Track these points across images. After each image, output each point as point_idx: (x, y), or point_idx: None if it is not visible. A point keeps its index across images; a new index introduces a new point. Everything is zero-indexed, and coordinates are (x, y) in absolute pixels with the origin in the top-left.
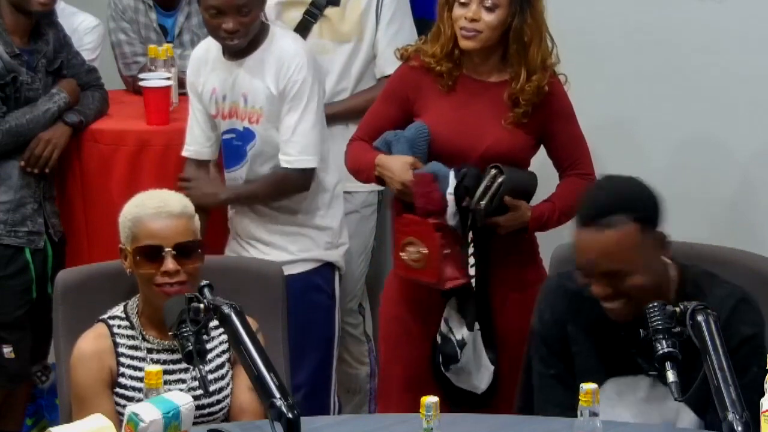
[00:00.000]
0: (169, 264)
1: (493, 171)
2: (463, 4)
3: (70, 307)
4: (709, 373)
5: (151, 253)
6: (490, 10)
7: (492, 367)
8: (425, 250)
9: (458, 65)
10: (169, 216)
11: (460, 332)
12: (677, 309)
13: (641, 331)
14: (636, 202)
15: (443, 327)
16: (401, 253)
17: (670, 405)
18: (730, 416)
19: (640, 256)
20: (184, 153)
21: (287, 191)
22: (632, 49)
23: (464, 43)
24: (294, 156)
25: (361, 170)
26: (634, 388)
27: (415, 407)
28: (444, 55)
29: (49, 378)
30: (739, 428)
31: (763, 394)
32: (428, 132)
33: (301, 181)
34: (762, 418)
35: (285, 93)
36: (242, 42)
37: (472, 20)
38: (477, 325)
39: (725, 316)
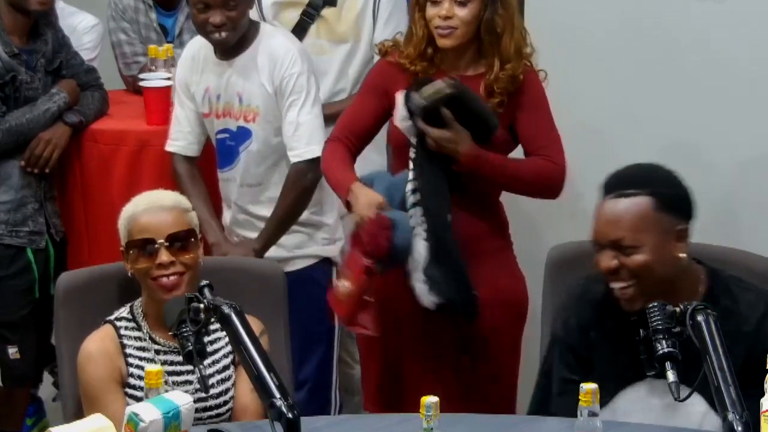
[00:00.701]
0: (163, 256)
1: (452, 81)
2: (436, 3)
3: (71, 309)
4: (709, 374)
5: (144, 247)
6: (462, 4)
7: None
8: (350, 287)
9: (433, 63)
10: (161, 209)
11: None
12: (677, 309)
13: (641, 331)
14: (657, 180)
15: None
16: (336, 280)
17: (696, 409)
18: (730, 416)
19: (649, 232)
20: (170, 148)
21: (306, 186)
22: (631, 49)
23: (442, 42)
24: (302, 149)
25: (336, 185)
26: (659, 392)
27: (396, 402)
28: (417, 55)
29: None
30: (739, 428)
31: None
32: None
33: (314, 171)
34: (762, 418)
35: (282, 89)
36: (230, 36)
37: (446, 17)
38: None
39: (756, 320)
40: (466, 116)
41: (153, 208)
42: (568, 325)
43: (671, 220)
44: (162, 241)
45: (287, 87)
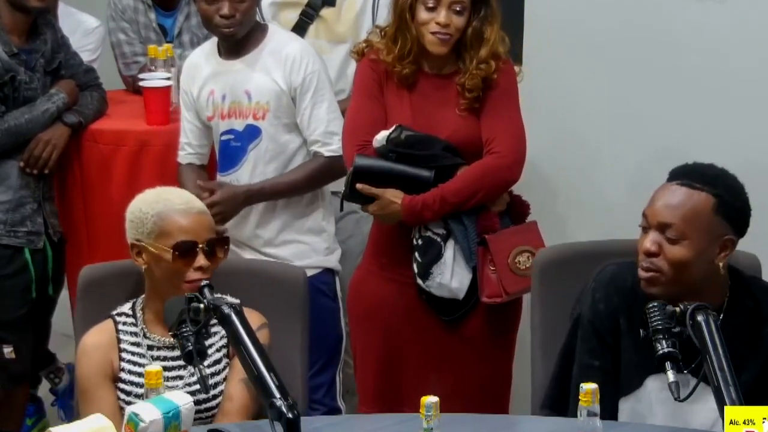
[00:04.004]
0: (202, 260)
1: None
2: (431, 9)
3: (90, 302)
4: (709, 373)
5: (187, 249)
6: (459, 13)
7: (470, 274)
8: (535, 252)
9: (418, 64)
10: (199, 213)
11: (440, 228)
12: (677, 309)
13: (641, 331)
14: (725, 185)
15: (422, 232)
16: (516, 265)
17: (713, 406)
18: None
19: (699, 229)
20: (180, 159)
21: (332, 178)
22: (630, 48)
23: (438, 49)
24: (337, 144)
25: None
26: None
27: (392, 404)
28: (412, 57)
29: (62, 379)
30: None
31: None
32: None
33: (342, 167)
34: None
35: (304, 87)
36: (238, 30)
37: (446, 25)
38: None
39: None
40: (390, 175)
41: (192, 210)
42: (597, 310)
43: (724, 227)
44: (202, 245)
45: (310, 84)
